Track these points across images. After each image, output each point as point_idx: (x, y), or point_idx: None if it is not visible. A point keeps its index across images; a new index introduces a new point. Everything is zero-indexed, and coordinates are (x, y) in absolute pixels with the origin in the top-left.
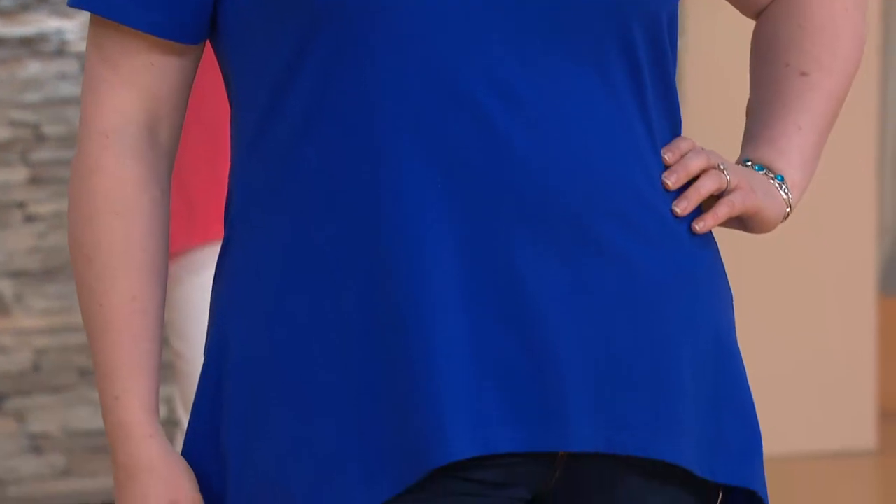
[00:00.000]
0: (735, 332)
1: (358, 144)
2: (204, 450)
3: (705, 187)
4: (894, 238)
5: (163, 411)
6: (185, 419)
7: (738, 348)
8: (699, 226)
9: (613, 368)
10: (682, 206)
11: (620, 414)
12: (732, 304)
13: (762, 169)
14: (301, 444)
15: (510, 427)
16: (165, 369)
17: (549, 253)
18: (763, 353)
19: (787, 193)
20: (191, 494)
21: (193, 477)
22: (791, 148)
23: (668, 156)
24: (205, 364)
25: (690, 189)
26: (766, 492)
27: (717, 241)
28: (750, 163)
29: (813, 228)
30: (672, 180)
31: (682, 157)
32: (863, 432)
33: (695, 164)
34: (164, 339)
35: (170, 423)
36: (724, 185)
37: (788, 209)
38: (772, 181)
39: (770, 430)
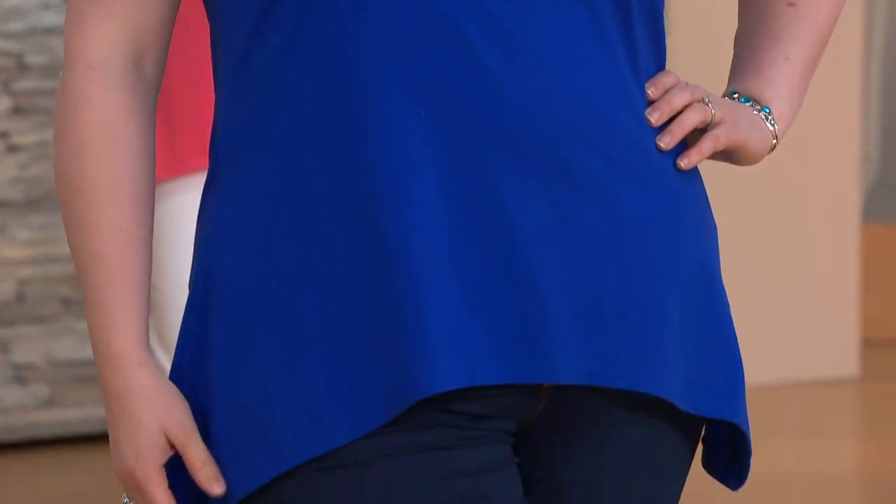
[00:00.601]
0: (719, 266)
1: (341, 74)
2: (190, 380)
3: (689, 121)
4: (878, 166)
5: None
6: (157, 349)
7: (721, 283)
8: (684, 162)
9: (598, 302)
10: (666, 141)
11: (605, 347)
12: (717, 239)
13: (748, 101)
14: (286, 376)
15: (495, 359)
16: None
17: (534, 188)
18: (746, 282)
19: (773, 125)
20: (183, 421)
21: (185, 404)
22: (779, 78)
23: (651, 91)
24: (190, 295)
25: (674, 123)
26: (748, 425)
27: (700, 170)
28: (737, 95)
29: (797, 157)
30: (655, 116)
31: (666, 92)
32: (846, 360)
33: (678, 99)
34: None
35: None
36: (709, 119)
37: (775, 141)
38: (757, 113)
39: (754, 358)
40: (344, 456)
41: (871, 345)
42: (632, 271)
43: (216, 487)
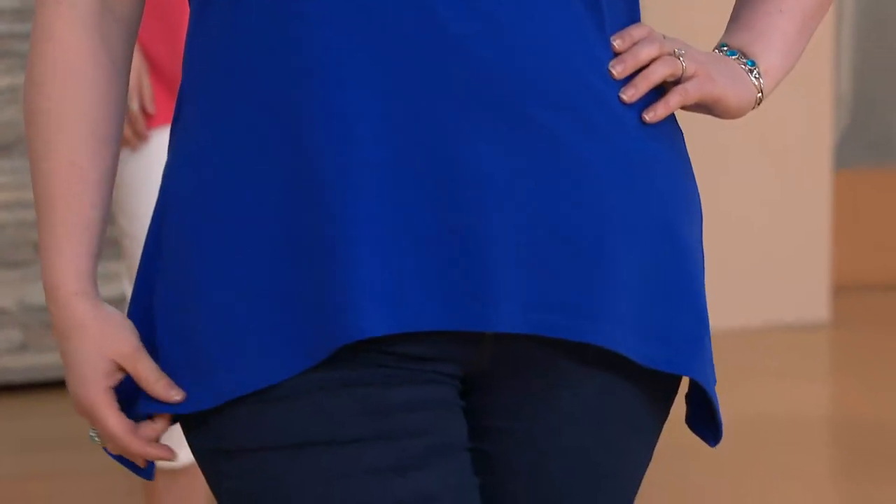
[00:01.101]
0: (695, 223)
1: (290, 8)
2: (141, 311)
3: (656, 74)
4: (850, 111)
5: (111, 288)
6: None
7: (693, 240)
8: (649, 115)
9: (545, 252)
10: (629, 94)
11: (549, 297)
12: (693, 196)
13: (734, 54)
14: (223, 312)
15: (431, 305)
16: (114, 246)
17: (484, 137)
18: (719, 227)
19: (758, 79)
20: (127, 344)
21: (131, 329)
22: (772, 31)
23: (617, 43)
24: (147, 233)
25: (639, 76)
26: (710, 381)
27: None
28: (726, 48)
29: (769, 102)
30: (618, 69)
31: (634, 45)
32: (817, 305)
33: (645, 52)
34: (111, 215)
35: (122, 301)
36: (679, 73)
37: (760, 95)
38: (742, 67)
39: (726, 303)
40: (278, 390)
41: (842, 290)
42: (582, 223)
43: (174, 395)
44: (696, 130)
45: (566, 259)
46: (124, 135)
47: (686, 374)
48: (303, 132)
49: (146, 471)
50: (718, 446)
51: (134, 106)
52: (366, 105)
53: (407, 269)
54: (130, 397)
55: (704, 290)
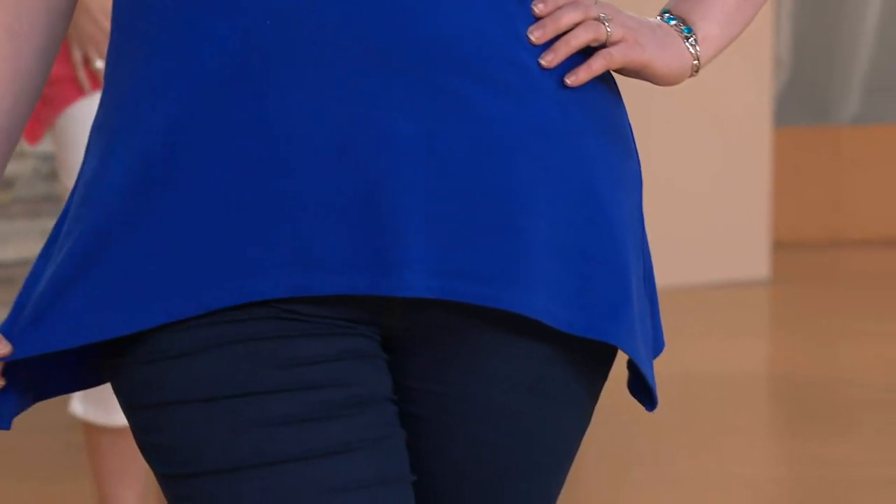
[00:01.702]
0: (624, 188)
1: None
2: (47, 271)
3: (576, 39)
4: (789, 70)
5: None
6: None
7: (621, 205)
8: (571, 79)
9: (456, 218)
10: (548, 59)
11: (462, 262)
12: (623, 161)
13: (674, 20)
14: (129, 266)
15: (337, 268)
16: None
17: (398, 104)
18: (659, 185)
19: (694, 47)
20: None
21: None
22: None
23: (539, 7)
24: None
25: (560, 41)
26: (632, 346)
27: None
28: (667, 14)
29: (714, 66)
30: (537, 34)
31: (558, 9)
32: (757, 262)
33: (567, 17)
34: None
35: None
36: (602, 38)
37: (696, 62)
38: (679, 34)
39: (667, 262)
40: (186, 343)
41: (781, 247)
42: (494, 189)
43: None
44: (635, 92)
45: (476, 223)
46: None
47: (606, 340)
48: (227, 99)
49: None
50: (660, 405)
51: (98, 64)
52: (282, 73)
53: (315, 233)
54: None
55: (640, 255)
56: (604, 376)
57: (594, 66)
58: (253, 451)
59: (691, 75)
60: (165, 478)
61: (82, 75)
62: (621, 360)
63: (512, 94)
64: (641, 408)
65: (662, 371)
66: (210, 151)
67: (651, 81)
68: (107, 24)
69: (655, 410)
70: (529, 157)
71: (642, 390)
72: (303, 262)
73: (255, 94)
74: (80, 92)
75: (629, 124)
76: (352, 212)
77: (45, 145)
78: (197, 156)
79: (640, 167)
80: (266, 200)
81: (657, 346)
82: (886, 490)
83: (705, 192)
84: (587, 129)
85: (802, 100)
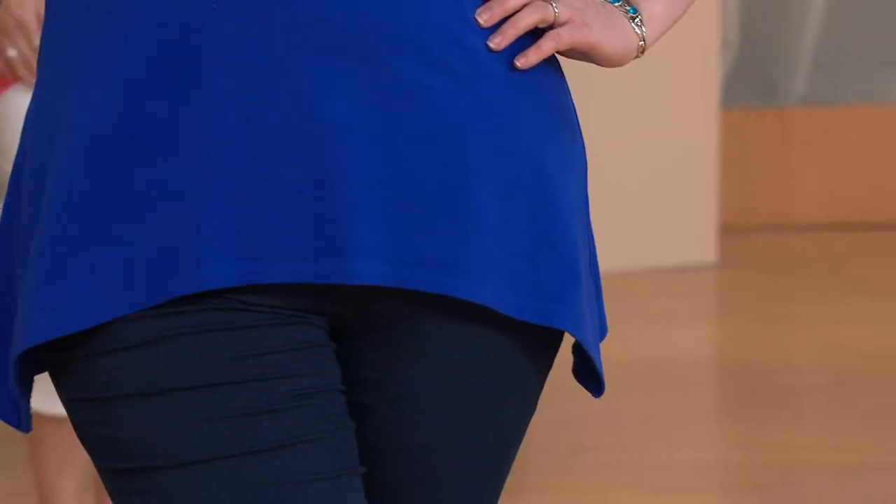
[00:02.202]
0: (572, 172)
1: None
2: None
3: (524, 21)
4: (736, 50)
5: None
6: None
7: (568, 189)
8: (521, 61)
9: (405, 203)
10: (496, 41)
11: (412, 249)
12: (571, 144)
13: (618, 1)
14: (78, 258)
15: (285, 256)
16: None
17: (343, 87)
18: (604, 170)
19: (640, 28)
20: None
21: None
22: None
23: None
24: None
25: (507, 23)
26: (581, 331)
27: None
28: None
29: (659, 45)
30: (485, 17)
31: None
32: (704, 246)
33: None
34: None
35: None
36: (550, 19)
37: (642, 43)
38: (624, 14)
39: (612, 246)
40: (133, 335)
41: (729, 231)
42: (442, 173)
43: None
44: (577, 74)
45: (425, 210)
46: (20, 75)
47: (556, 326)
48: (170, 76)
49: (21, 423)
50: (608, 391)
51: (11, 53)
52: (225, 55)
53: (261, 221)
54: None
55: (586, 240)
56: (551, 361)
57: (544, 48)
58: (207, 445)
59: (637, 56)
60: (112, 472)
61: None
62: (566, 345)
63: (460, 78)
64: (589, 394)
65: (609, 357)
66: (151, 138)
67: (597, 63)
68: (23, 15)
69: (603, 397)
70: (479, 141)
71: (589, 375)
72: (252, 250)
73: (195, 77)
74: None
75: (574, 106)
76: (300, 199)
77: None
78: (139, 143)
79: (584, 149)
80: (212, 188)
81: (602, 330)
82: (837, 474)
83: (651, 176)
84: (536, 112)
85: (750, 80)
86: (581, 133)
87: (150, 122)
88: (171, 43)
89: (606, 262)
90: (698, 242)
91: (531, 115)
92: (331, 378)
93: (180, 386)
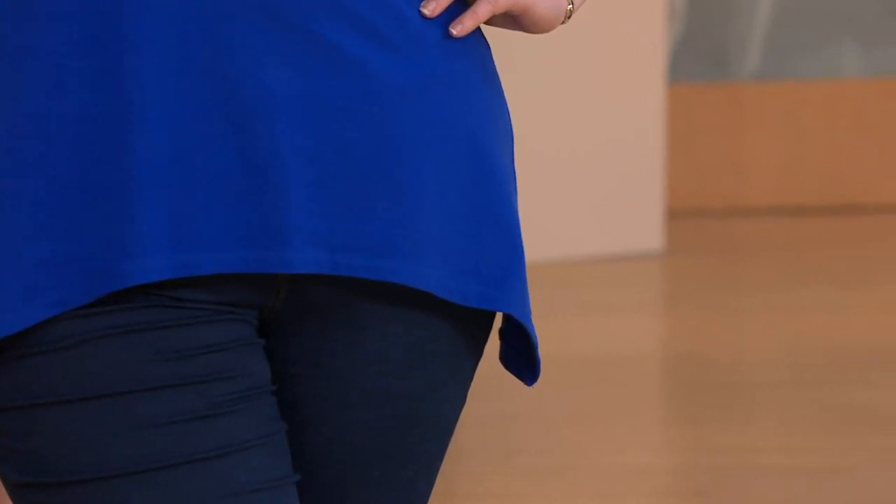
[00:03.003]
0: (506, 144)
1: None
2: None
3: None
4: (684, 22)
5: None
6: None
7: (505, 163)
8: (456, 29)
9: (342, 182)
10: (431, 8)
11: (350, 233)
12: (503, 115)
13: None
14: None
15: (217, 246)
16: None
17: (274, 59)
18: (541, 149)
19: None
20: None
21: None
22: None
23: None
24: None
25: None
26: (526, 316)
27: (488, 36)
28: None
29: (596, 10)
30: None
31: None
32: (650, 232)
33: None
34: None
35: None
36: None
37: (570, 6)
38: None
39: (551, 233)
40: (58, 337)
41: (676, 215)
42: (380, 150)
43: None
44: (515, 44)
45: (362, 189)
46: None
47: (502, 310)
48: (95, 61)
49: None
50: (543, 389)
51: None
52: (154, 31)
53: (193, 208)
54: None
55: (518, 217)
56: (483, 344)
57: (480, 12)
58: (139, 455)
59: (563, 21)
60: (28, 487)
61: None
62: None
63: (394, 47)
64: (525, 391)
65: (547, 352)
66: (73, 126)
67: (525, 29)
68: None
69: (540, 395)
70: (416, 113)
71: (520, 361)
72: (182, 240)
73: (118, 55)
74: None
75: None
76: (230, 181)
77: None
78: (61, 132)
79: (510, 118)
80: (140, 174)
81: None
82: (787, 478)
83: (591, 156)
84: (469, 80)
85: (699, 53)
86: (506, 101)
87: (71, 108)
88: (90, 20)
89: (543, 249)
90: (643, 228)
91: (466, 85)
92: (263, 378)
93: (107, 391)
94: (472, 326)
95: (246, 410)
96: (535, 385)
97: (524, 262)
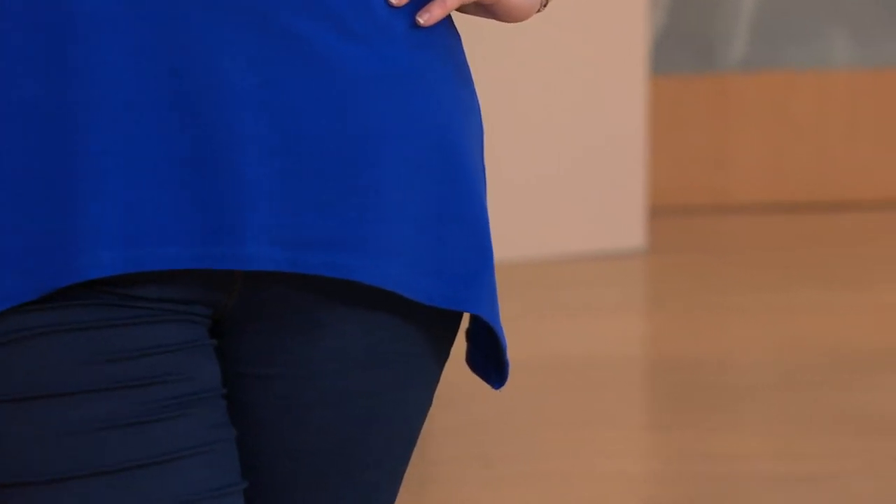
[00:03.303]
0: (475, 139)
1: None
2: None
3: None
4: (668, 11)
5: None
6: None
7: (474, 158)
8: (424, 17)
9: (302, 176)
10: None
11: (309, 229)
12: (472, 109)
13: None
14: None
15: (171, 241)
16: None
17: (233, 49)
18: (518, 144)
19: None
20: None
21: None
22: None
23: None
24: None
25: None
26: (494, 316)
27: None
28: None
29: (579, 2)
30: None
31: None
32: (632, 230)
33: None
34: None
35: None
36: None
37: None
38: None
39: (527, 230)
40: None
41: (659, 212)
42: (342, 141)
43: None
44: (489, 34)
45: (324, 187)
46: None
47: (468, 311)
48: (46, 48)
49: None
50: (520, 393)
51: None
52: (106, 17)
53: (145, 202)
54: None
55: (487, 215)
56: (450, 345)
57: (449, 1)
58: (69, 461)
59: (539, 10)
60: None
61: None
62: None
63: (358, 38)
64: (500, 395)
65: (524, 355)
66: (21, 114)
67: (498, 18)
68: None
69: (517, 400)
70: (380, 106)
71: (488, 364)
72: (131, 234)
73: (70, 41)
74: None
75: (469, 66)
76: (184, 173)
77: None
78: (8, 123)
79: (480, 113)
80: (90, 165)
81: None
82: (776, 487)
83: (569, 150)
84: (437, 71)
85: (682, 43)
86: (476, 94)
87: (24, 95)
88: (42, 5)
89: (519, 247)
90: (624, 225)
91: (434, 77)
92: (211, 382)
93: (41, 392)
94: (438, 327)
95: (186, 417)
96: (512, 389)
97: (493, 261)
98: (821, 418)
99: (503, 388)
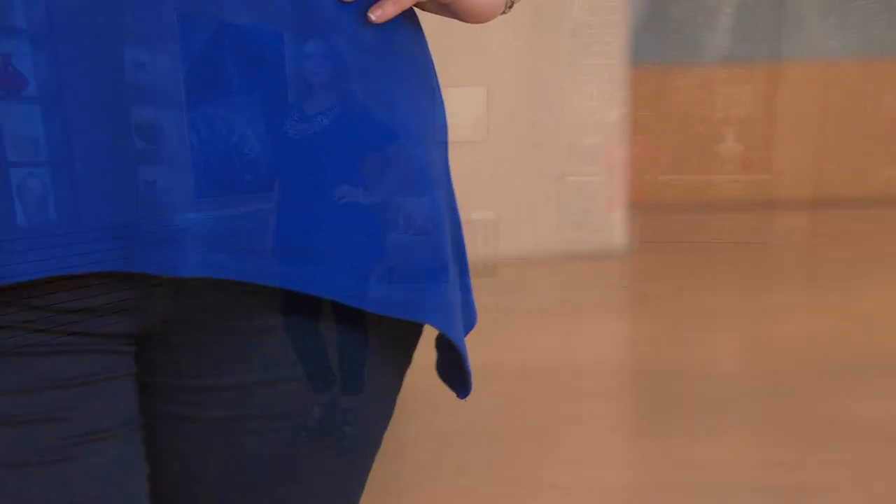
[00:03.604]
0: (435, 142)
1: None
2: None
3: None
4: (647, 1)
5: None
6: None
7: (433, 163)
8: (375, 14)
9: (238, 182)
10: None
11: (245, 234)
12: (433, 112)
13: None
14: None
15: (92, 245)
16: None
17: (168, 45)
18: (493, 138)
19: None
20: None
21: None
22: None
23: None
24: None
25: None
26: (450, 325)
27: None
28: None
29: None
30: None
31: None
32: (609, 228)
33: None
34: None
35: None
36: None
37: None
38: None
39: (502, 228)
40: None
41: (639, 210)
42: (282, 149)
43: None
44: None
45: (262, 191)
46: None
47: (415, 319)
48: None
49: None
50: (494, 400)
51: None
52: (37, 7)
53: (66, 200)
54: None
55: (444, 221)
56: (410, 355)
57: (402, 0)
58: None
59: (504, 12)
60: None
61: None
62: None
63: (303, 35)
64: (473, 403)
65: (498, 360)
66: None
67: (459, 17)
68: None
69: (492, 407)
70: (327, 106)
71: (454, 373)
72: (52, 236)
73: (16, 49)
74: None
75: (433, 63)
76: (110, 174)
77: None
78: None
79: (445, 112)
80: (10, 159)
81: (470, 320)
82: (761, 496)
83: (546, 143)
84: (391, 73)
85: (664, 33)
86: (441, 94)
87: None
88: None
89: (493, 246)
90: (603, 223)
91: (386, 76)
92: (124, 415)
93: None
94: (393, 335)
95: (88, 457)
96: (488, 396)
97: (449, 268)
98: (806, 426)
99: (478, 396)
